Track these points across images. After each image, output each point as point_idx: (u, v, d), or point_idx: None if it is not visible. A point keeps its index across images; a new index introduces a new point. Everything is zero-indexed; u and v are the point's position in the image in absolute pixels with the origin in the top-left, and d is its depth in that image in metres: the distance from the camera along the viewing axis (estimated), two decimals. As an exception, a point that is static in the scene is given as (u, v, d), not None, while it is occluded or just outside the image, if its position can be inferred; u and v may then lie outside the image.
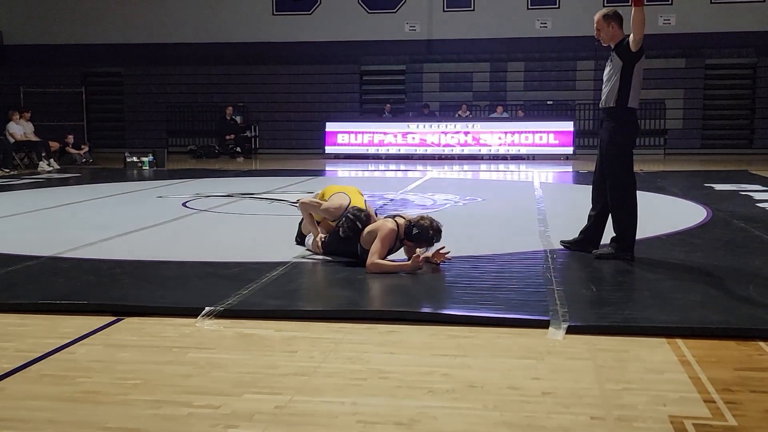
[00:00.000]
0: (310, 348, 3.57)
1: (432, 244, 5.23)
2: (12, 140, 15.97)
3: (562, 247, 5.91)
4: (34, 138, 16.58)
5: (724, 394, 2.95)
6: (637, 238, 5.60)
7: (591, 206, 5.83)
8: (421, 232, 5.16)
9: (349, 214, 5.40)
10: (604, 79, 5.57)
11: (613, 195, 5.53)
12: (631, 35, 5.29)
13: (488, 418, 2.75)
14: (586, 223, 5.87)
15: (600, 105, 5.66)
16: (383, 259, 5.14)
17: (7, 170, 14.95)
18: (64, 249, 6.03)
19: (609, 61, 5.55)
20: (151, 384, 3.11)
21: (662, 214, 8.11)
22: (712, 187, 10.63)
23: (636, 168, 5.69)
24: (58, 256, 5.76)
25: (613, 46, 5.50)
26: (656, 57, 18.39)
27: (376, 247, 5.12)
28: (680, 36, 19.78)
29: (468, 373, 3.22)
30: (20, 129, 16.36)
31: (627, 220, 5.51)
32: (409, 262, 5.13)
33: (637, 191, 5.62)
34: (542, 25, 20.86)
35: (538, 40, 20.83)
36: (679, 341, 3.62)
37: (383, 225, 5.22)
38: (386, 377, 3.17)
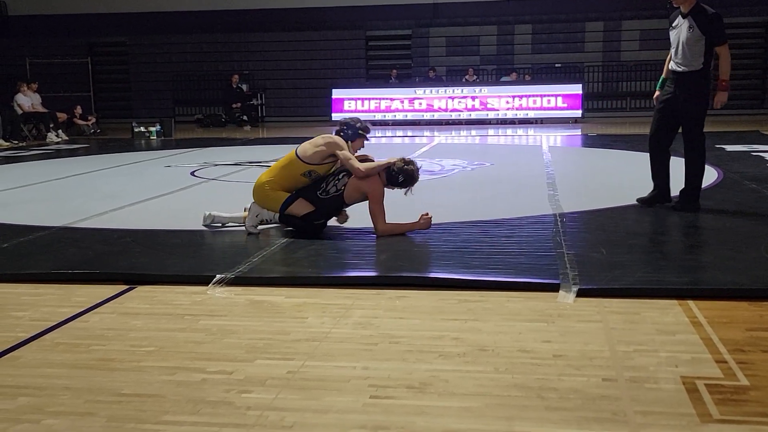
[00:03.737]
0: (321, 314, 3.59)
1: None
2: (20, 112, 15.97)
3: (638, 203, 6.09)
4: (41, 109, 16.57)
5: (735, 355, 2.96)
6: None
7: (651, 171, 6.06)
8: (406, 180, 5.23)
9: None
10: (681, 41, 5.70)
11: (692, 152, 5.84)
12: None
13: (500, 380, 2.76)
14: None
15: (677, 68, 5.79)
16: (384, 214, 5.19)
17: (16, 142, 14.97)
18: (75, 219, 6.05)
19: (682, 25, 5.70)
20: (165, 351, 3.14)
21: (674, 176, 8.03)
22: (724, 148, 10.54)
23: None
24: (69, 227, 5.78)
25: (686, 11, 5.67)
26: (665, 17, 18.15)
27: (377, 210, 5.15)
28: (691, -5, 19.46)
29: (479, 337, 3.23)
30: (28, 100, 16.34)
31: (701, 175, 5.90)
32: (419, 221, 5.20)
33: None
34: (550, -14, 20.58)
35: (545, 2, 20.56)
36: (691, 302, 3.62)
37: (372, 184, 5.20)
38: (397, 342, 3.19)
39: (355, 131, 5.41)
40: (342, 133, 5.41)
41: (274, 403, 2.60)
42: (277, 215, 5.32)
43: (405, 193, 5.30)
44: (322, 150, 5.26)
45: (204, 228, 5.56)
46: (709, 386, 2.66)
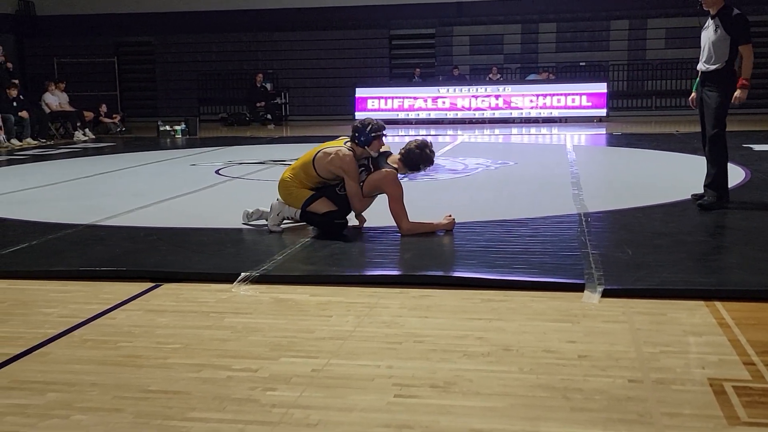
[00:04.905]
0: (345, 312, 3.60)
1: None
2: (48, 110, 16.19)
3: (693, 200, 6.13)
4: (68, 108, 16.78)
5: (763, 357, 2.92)
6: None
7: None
8: (425, 162, 5.30)
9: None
10: (709, 41, 5.82)
11: (713, 147, 5.90)
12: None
13: (524, 380, 2.75)
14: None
15: (704, 67, 5.92)
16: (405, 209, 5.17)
17: (44, 140, 15.17)
18: (101, 217, 6.12)
19: (710, 26, 5.82)
20: (191, 348, 3.17)
21: (700, 176, 7.95)
22: (751, 148, 10.37)
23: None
24: (96, 224, 5.85)
25: (714, 12, 5.78)
26: (692, 15, 17.95)
27: (399, 209, 5.15)
28: (718, -8, 19.21)
29: (503, 337, 3.22)
30: (55, 99, 16.56)
31: (723, 173, 5.93)
32: (444, 221, 5.21)
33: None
34: (574, -16, 20.42)
35: (570, 0, 20.41)
36: (718, 304, 3.58)
37: (390, 185, 5.19)
38: (421, 341, 3.19)
39: (367, 136, 5.29)
40: (356, 141, 5.31)
41: (299, 401, 2.61)
42: (299, 212, 5.35)
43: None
44: (334, 172, 5.26)
45: (225, 226, 5.60)
46: (736, 388, 2.63)
